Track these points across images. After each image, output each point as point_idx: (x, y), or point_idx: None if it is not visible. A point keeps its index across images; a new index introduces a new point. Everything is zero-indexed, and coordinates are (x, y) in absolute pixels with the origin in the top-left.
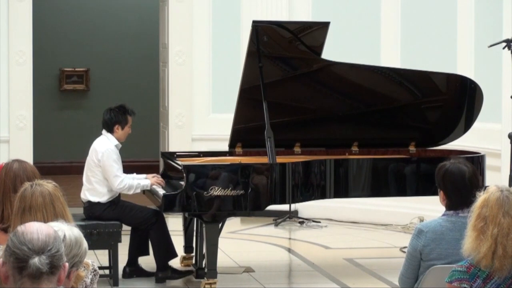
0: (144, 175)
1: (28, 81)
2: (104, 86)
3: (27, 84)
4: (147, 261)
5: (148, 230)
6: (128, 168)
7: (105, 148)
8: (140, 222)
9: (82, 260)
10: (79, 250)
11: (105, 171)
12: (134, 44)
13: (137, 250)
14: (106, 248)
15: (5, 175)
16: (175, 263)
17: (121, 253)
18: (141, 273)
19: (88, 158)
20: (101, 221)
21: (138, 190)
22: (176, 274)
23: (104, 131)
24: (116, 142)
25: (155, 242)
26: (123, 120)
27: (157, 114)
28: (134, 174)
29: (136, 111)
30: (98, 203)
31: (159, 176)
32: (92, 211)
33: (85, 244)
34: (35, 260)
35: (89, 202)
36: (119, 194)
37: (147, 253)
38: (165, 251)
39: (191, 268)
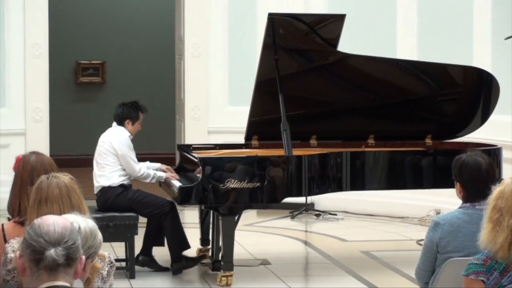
0: (158, 164)
1: (44, 74)
2: (120, 79)
3: (43, 77)
4: (162, 254)
5: (162, 222)
6: (146, 161)
7: (121, 137)
8: (153, 210)
9: (97, 251)
10: (94, 242)
11: (124, 159)
12: (150, 36)
13: (152, 239)
14: (123, 241)
15: (23, 168)
16: (190, 254)
17: (138, 246)
18: (153, 265)
19: (99, 147)
20: (115, 210)
21: (154, 180)
22: (191, 261)
23: (114, 124)
24: (129, 134)
25: (169, 234)
26: (135, 116)
27: (173, 106)
28: (148, 162)
29: (152, 104)
30: (110, 187)
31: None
32: (105, 198)
33: (99, 235)
34: (51, 252)
35: (101, 189)
36: (131, 183)
37: (162, 243)
38: (179, 242)
39: (207, 261)
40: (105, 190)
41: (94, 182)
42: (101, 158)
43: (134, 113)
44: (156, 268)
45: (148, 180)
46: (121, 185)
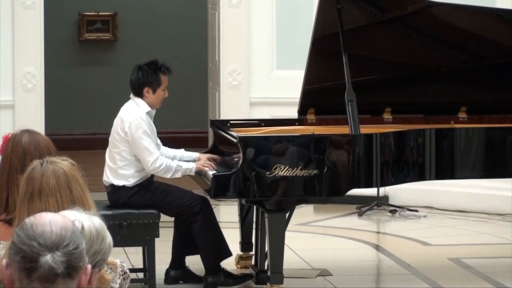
0: (196, 154)
1: (39, 30)
2: (136, 35)
3: (37, 34)
4: (196, 261)
5: (191, 224)
6: (169, 142)
7: (133, 117)
8: (178, 212)
9: (105, 258)
10: (101, 246)
11: (135, 147)
12: None
13: (183, 247)
14: (140, 245)
15: (12, 151)
16: (229, 264)
17: (159, 251)
18: (189, 278)
19: (112, 130)
20: (132, 209)
21: (179, 175)
22: (231, 279)
23: (132, 95)
24: (148, 109)
25: (200, 239)
26: (155, 81)
27: (205, 71)
28: (182, 150)
29: (177, 68)
30: (123, 187)
31: (211, 157)
32: (116, 197)
33: (109, 237)
34: (47, 258)
35: (112, 186)
36: (152, 176)
37: (196, 252)
38: (215, 249)
39: (250, 271)
40: (116, 188)
41: (104, 176)
42: (114, 146)
43: (154, 77)
44: (194, 281)
45: (169, 175)
46: (137, 185)
